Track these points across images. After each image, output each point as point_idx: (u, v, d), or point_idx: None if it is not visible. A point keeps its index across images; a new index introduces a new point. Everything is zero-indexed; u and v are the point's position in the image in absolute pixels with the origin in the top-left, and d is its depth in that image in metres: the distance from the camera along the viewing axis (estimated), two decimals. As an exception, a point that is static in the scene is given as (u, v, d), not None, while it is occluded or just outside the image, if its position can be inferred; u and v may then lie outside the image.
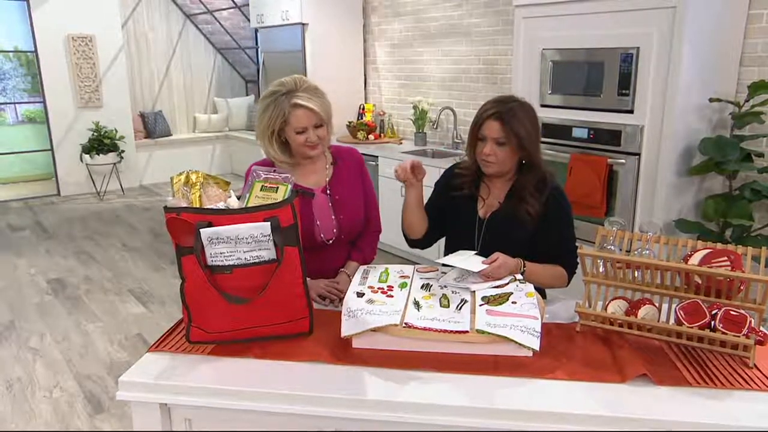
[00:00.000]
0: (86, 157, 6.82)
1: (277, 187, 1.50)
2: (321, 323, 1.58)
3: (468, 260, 1.69)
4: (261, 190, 1.50)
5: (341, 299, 1.77)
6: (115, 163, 6.95)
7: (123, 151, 6.99)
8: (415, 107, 4.97)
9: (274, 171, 1.53)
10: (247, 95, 8.59)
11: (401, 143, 5.15)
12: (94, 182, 7.02)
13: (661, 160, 2.86)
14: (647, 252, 1.52)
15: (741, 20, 2.91)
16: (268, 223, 1.39)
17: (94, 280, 4.39)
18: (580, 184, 3.16)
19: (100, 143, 6.82)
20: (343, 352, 1.46)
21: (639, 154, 2.96)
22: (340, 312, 1.52)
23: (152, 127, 7.65)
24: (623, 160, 3.02)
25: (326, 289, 1.79)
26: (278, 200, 1.47)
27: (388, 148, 4.84)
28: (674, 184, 2.90)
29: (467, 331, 1.42)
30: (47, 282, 4.35)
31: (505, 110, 1.76)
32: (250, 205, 1.48)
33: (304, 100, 1.74)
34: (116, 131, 6.96)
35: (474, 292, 1.59)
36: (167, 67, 7.99)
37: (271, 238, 1.40)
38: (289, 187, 1.50)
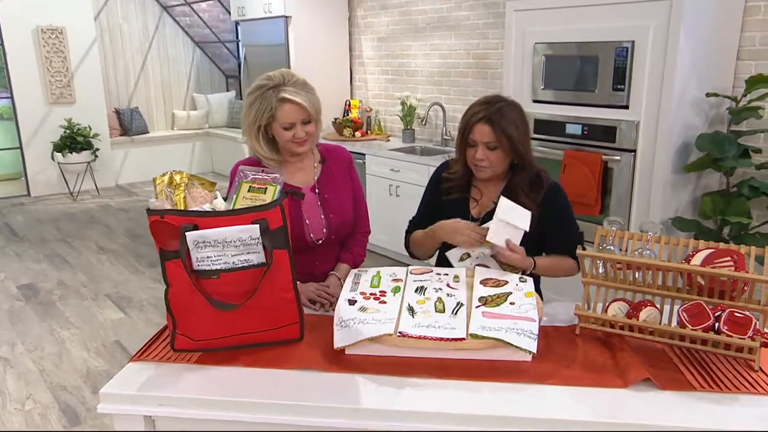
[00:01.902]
0: (58, 155, 6.73)
1: (266, 188, 1.48)
2: (311, 328, 1.57)
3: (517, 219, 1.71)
4: (248, 191, 1.49)
5: (332, 303, 1.76)
6: (89, 162, 6.87)
7: (97, 150, 6.91)
8: (402, 103, 4.96)
9: (263, 171, 1.52)
10: (227, 91, 8.54)
11: (389, 140, 5.15)
12: (66, 182, 6.93)
13: (658, 156, 2.89)
14: (648, 252, 1.53)
15: (738, 12, 2.94)
16: (257, 225, 1.37)
17: (69, 284, 4.33)
18: (575, 182, 3.17)
19: (73, 141, 6.73)
20: (335, 358, 1.46)
21: (634, 151, 2.98)
22: (331, 316, 1.51)
23: (128, 124, 7.57)
24: (618, 157, 3.04)
25: (316, 293, 1.79)
26: (267, 201, 1.46)
27: (376, 146, 4.83)
28: (671, 182, 2.93)
29: (463, 338, 1.42)
30: (18, 287, 4.28)
31: (494, 112, 1.76)
32: (237, 206, 1.47)
33: (292, 95, 1.74)
34: (90, 128, 6.87)
35: (470, 296, 1.59)
36: (143, 61, 7.91)
37: (260, 241, 1.39)
38: (278, 187, 1.49)
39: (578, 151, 3.20)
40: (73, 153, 6.73)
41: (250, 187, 1.49)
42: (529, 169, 1.84)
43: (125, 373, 1.43)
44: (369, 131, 5.40)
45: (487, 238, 1.71)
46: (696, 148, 2.85)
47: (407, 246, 2.06)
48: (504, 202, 1.71)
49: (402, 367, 1.41)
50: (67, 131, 6.74)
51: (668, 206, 2.98)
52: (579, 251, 1.54)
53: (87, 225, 5.85)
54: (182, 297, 1.42)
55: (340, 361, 1.45)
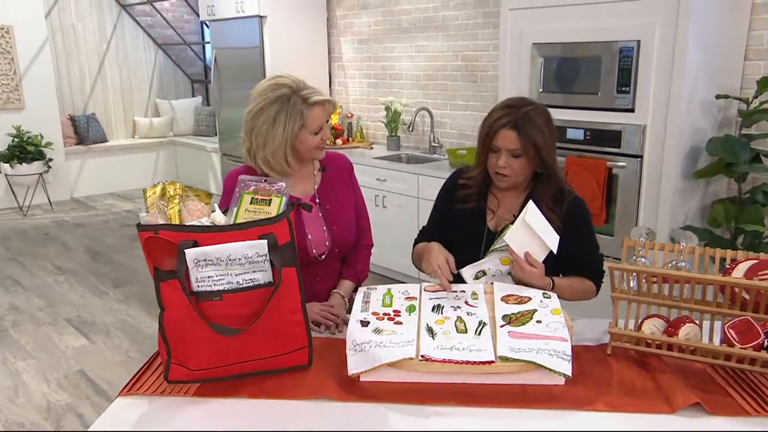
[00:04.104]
0: (5, 166, 6.53)
1: (270, 199, 1.43)
2: (318, 354, 1.52)
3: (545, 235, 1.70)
4: (251, 203, 1.43)
5: (338, 325, 1.71)
6: (41, 174, 6.68)
7: (50, 160, 6.74)
8: (387, 108, 4.94)
9: (265, 181, 1.47)
10: (193, 96, 8.44)
11: (372, 148, 5.12)
12: (15, 196, 6.72)
13: (666, 162, 2.90)
14: (683, 264, 1.51)
15: (746, 10, 2.99)
16: (265, 241, 1.32)
17: (23, 309, 4.17)
18: (577, 190, 3.13)
19: (23, 150, 6.55)
20: (350, 386, 1.41)
21: (641, 156, 2.99)
22: (339, 339, 1.46)
23: (84, 132, 7.41)
24: (624, 163, 3.05)
25: (320, 314, 1.73)
26: (272, 214, 1.41)
27: (358, 154, 4.79)
28: (680, 188, 2.95)
29: (492, 362, 1.38)
30: (-34, 313, 4.11)
31: (521, 117, 1.73)
32: (239, 220, 1.41)
33: (318, 95, 1.72)
34: (41, 137, 6.70)
35: (493, 314, 1.56)
36: (100, 64, 7.76)
37: (268, 258, 1.33)
38: (284, 199, 1.43)
39: (581, 157, 3.20)
40: (23, 164, 6.55)
41: (252, 198, 1.43)
42: (554, 181, 1.81)
43: (114, 410, 1.36)
44: (350, 138, 5.36)
45: (505, 238, 1.69)
46: (707, 152, 2.88)
47: (413, 255, 2.03)
48: (532, 208, 1.68)
49: (425, 395, 1.37)
50: (16, 140, 6.55)
51: (677, 214, 3.00)
52: (610, 264, 1.51)
53: (40, 243, 5.67)
54: (179, 322, 1.35)
55: (356, 389, 1.40)
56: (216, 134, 6.76)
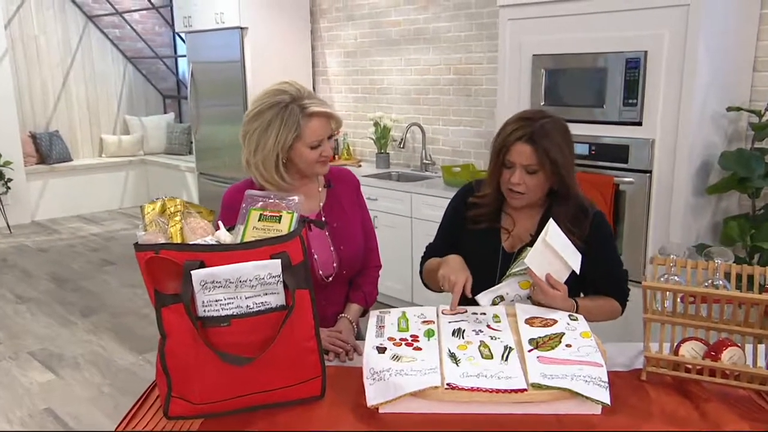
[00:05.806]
0: (-41, 188, 6.43)
1: (280, 216, 1.38)
2: (330, 383, 1.46)
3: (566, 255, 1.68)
4: (259, 219, 1.38)
5: (348, 351, 1.67)
6: (-2, 195, 6.58)
7: (9, 180, 6.64)
8: (376, 124, 4.93)
9: (274, 196, 1.42)
10: (165, 113, 8.39)
11: (360, 166, 5.10)
12: (-30, 219, 6.60)
13: (677, 177, 2.91)
14: (720, 283, 1.50)
15: (753, 21, 3.04)
16: (278, 260, 1.27)
17: (-19, 342, 4.04)
18: (583, 208, 3.17)
19: (-22, 170, 6.44)
20: (369, 418, 1.36)
21: (650, 172, 3.00)
22: (351, 368, 1.42)
23: (47, 150, 7.31)
24: (631, 179, 3.05)
25: (328, 340, 1.67)
26: (283, 232, 1.36)
27: (346, 172, 4.76)
28: (691, 205, 2.96)
29: (524, 389, 1.34)
30: None
31: (537, 130, 1.70)
32: (247, 238, 1.36)
33: (319, 106, 1.66)
34: (-1, 156, 6.59)
35: (518, 338, 1.52)
36: (65, 78, 7.67)
37: (281, 279, 1.28)
38: (295, 215, 1.39)
39: (585, 173, 3.20)
40: (-22, 185, 6.45)
41: (261, 215, 1.38)
42: (573, 199, 1.79)
43: (109, 450, 1.29)
44: (337, 156, 5.33)
45: (525, 261, 1.66)
46: (720, 167, 2.90)
47: (421, 274, 2.01)
48: (553, 227, 1.66)
49: (452, 426, 1.33)
50: (-30, 159, 6.45)
51: (688, 232, 3.00)
52: (645, 283, 1.49)
53: (-1, 269, 5.53)
54: (182, 351, 1.29)
55: (376, 421, 1.35)
56: (191, 152, 6.69)
